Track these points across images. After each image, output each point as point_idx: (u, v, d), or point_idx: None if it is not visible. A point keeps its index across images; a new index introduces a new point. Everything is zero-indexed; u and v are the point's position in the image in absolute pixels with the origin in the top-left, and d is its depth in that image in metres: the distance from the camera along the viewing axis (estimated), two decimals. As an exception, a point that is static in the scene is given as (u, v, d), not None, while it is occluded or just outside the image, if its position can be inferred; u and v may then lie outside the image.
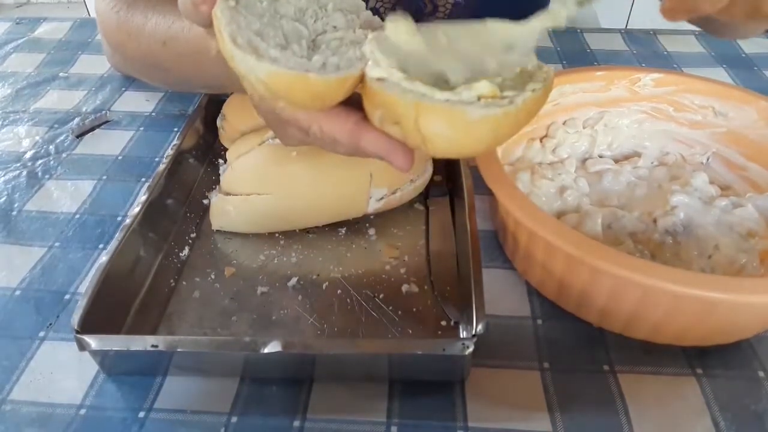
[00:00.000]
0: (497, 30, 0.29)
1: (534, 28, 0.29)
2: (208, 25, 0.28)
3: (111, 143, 0.55)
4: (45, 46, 0.71)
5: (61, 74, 0.65)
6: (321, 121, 0.29)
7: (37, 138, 0.55)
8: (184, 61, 0.49)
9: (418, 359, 0.32)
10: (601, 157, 0.49)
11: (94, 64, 0.67)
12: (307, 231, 0.45)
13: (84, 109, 0.59)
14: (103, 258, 0.36)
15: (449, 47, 0.30)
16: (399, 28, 0.31)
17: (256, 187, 0.42)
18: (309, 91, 0.26)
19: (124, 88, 0.63)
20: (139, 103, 0.60)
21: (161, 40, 0.48)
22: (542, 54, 0.67)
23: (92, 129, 0.56)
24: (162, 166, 0.44)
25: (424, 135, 0.26)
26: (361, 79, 0.27)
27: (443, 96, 0.25)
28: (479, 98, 0.26)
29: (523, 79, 0.28)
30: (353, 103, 0.29)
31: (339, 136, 0.29)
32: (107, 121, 0.57)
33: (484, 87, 0.26)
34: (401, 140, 0.28)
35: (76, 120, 0.58)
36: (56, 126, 0.57)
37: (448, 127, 0.25)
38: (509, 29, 0.29)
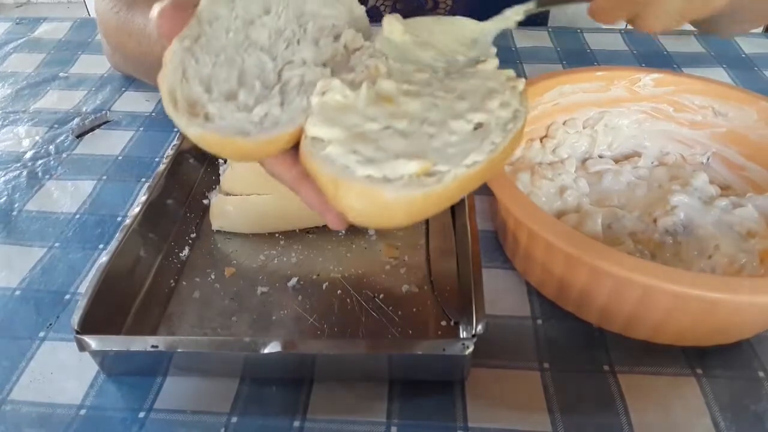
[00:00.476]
0: (464, 25, 0.34)
1: (491, 27, 0.35)
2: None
3: (111, 143, 0.55)
4: (45, 46, 0.71)
5: (61, 74, 0.65)
6: (266, 163, 0.30)
7: (37, 138, 0.55)
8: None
9: (418, 359, 0.32)
10: (601, 157, 0.50)
11: (94, 64, 0.67)
12: (307, 231, 0.45)
13: (84, 109, 0.59)
14: (103, 258, 0.36)
15: (430, 39, 0.32)
16: (393, 28, 0.32)
17: (256, 187, 0.42)
18: (239, 151, 0.26)
19: (124, 88, 0.63)
20: (139, 103, 0.60)
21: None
22: (543, 53, 0.68)
23: (92, 129, 0.56)
24: (162, 166, 0.44)
25: (342, 206, 0.25)
26: (301, 131, 0.27)
27: (365, 172, 0.24)
28: (402, 175, 0.25)
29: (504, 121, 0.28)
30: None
31: (283, 180, 0.30)
32: (107, 121, 0.57)
33: (411, 167, 0.25)
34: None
35: (76, 120, 0.58)
36: (56, 126, 0.57)
37: (363, 204, 0.25)
38: (473, 25, 0.35)
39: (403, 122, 0.27)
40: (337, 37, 0.32)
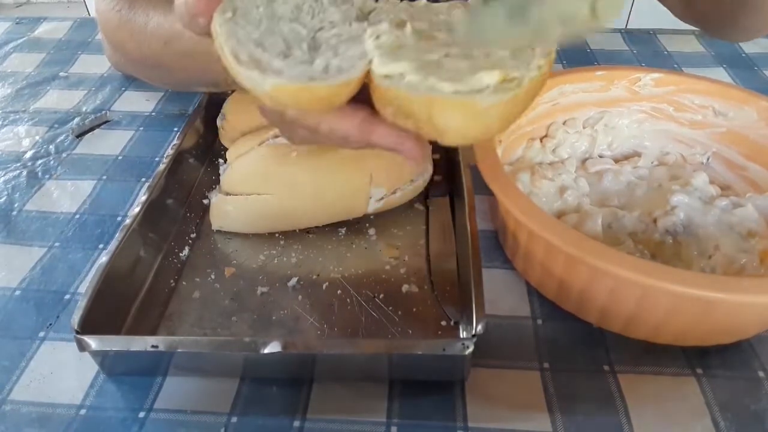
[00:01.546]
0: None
1: None
2: (206, 34, 0.29)
3: (111, 143, 0.55)
4: (45, 46, 0.71)
5: (61, 74, 0.65)
6: (330, 121, 0.29)
7: (37, 138, 0.55)
8: (186, 59, 0.48)
9: (418, 359, 0.32)
10: (601, 157, 0.50)
11: (94, 64, 0.67)
12: (307, 231, 0.45)
13: (84, 109, 0.59)
14: (103, 258, 0.36)
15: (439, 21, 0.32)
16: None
17: (256, 187, 0.42)
18: (315, 98, 0.27)
19: (124, 88, 0.63)
20: (139, 103, 0.60)
21: (163, 40, 0.48)
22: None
23: (92, 129, 0.56)
24: (162, 166, 0.44)
25: (438, 127, 0.26)
26: (367, 75, 0.28)
27: (452, 87, 0.25)
28: (487, 85, 0.26)
29: (525, 54, 0.28)
30: (361, 97, 0.30)
31: (349, 132, 0.29)
32: (107, 121, 0.57)
33: (493, 77, 0.26)
34: (414, 131, 0.28)
35: (76, 120, 0.58)
36: (56, 126, 0.57)
37: (460, 118, 0.26)
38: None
39: (455, 49, 0.28)
40: (349, 2, 0.32)
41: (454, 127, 0.26)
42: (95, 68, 0.66)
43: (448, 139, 0.27)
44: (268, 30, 0.28)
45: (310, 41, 0.29)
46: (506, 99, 0.26)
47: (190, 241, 0.44)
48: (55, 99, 0.61)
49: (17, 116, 0.58)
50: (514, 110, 0.27)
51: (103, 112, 0.59)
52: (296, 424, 0.33)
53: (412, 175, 0.45)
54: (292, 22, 0.29)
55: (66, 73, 0.66)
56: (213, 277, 0.41)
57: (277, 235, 0.44)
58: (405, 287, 0.40)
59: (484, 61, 0.27)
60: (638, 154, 0.50)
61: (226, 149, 0.51)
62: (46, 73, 0.65)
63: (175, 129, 0.56)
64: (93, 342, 0.32)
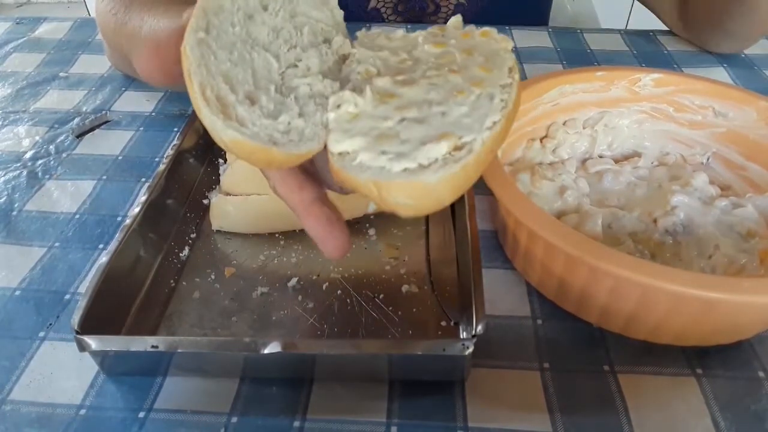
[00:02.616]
0: None
1: None
2: (169, 84, 0.29)
3: (111, 143, 0.55)
4: (45, 46, 0.71)
5: (61, 74, 0.65)
6: (278, 184, 0.30)
7: (37, 138, 0.55)
8: (177, 66, 0.49)
9: (418, 359, 0.32)
10: (601, 157, 0.50)
11: (94, 64, 0.67)
12: (307, 231, 0.45)
13: (84, 109, 0.59)
14: (103, 258, 0.36)
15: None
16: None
17: (256, 187, 0.42)
18: (270, 159, 0.26)
19: (124, 88, 0.63)
20: (139, 103, 0.60)
21: (155, 44, 0.49)
22: (543, 53, 0.68)
23: (92, 129, 0.56)
24: (162, 166, 0.44)
25: (390, 205, 0.26)
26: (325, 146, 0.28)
27: (401, 167, 0.25)
28: (435, 159, 0.26)
29: (482, 108, 0.28)
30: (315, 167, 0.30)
31: (289, 204, 0.30)
32: (107, 121, 0.57)
33: (441, 149, 0.25)
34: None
35: (76, 120, 0.58)
36: (56, 126, 0.57)
37: (410, 196, 0.25)
38: None
39: (412, 111, 0.27)
40: (327, 42, 0.32)
41: (405, 204, 0.26)
42: (95, 68, 0.66)
43: (402, 214, 0.26)
44: (240, 58, 0.27)
45: (279, 82, 0.29)
46: (456, 171, 0.25)
47: (190, 241, 0.44)
48: (55, 99, 0.61)
49: (17, 116, 0.58)
50: (466, 178, 0.26)
51: (103, 112, 0.59)
52: (296, 424, 0.33)
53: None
54: (266, 51, 0.29)
55: (66, 73, 0.66)
56: (213, 277, 0.41)
57: (277, 235, 0.44)
58: (405, 287, 0.40)
59: (439, 122, 0.27)
60: (638, 155, 0.50)
61: (226, 149, 0.51)
62: (46, 73, 0.65)
63: (175, 129, 0.56)
64: (93, 342, 0.32)
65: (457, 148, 0.26)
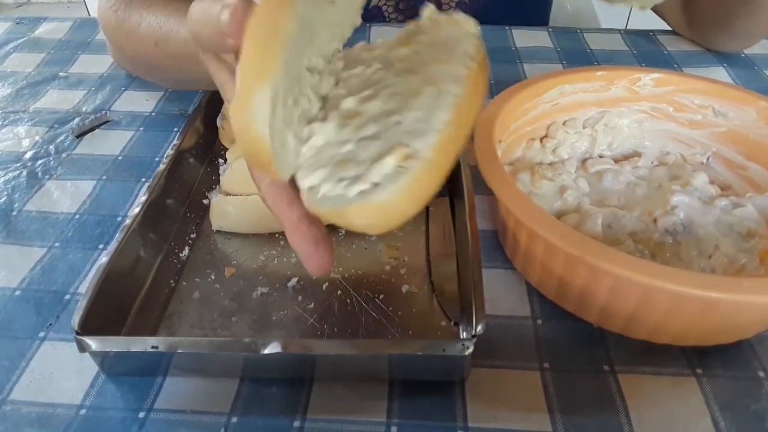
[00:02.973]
0: None
1: None
2: (224, 54, 0.28)
3: (111, 143, 0.55)
4: (45, 46, 0.71)
5: (61, 74, 0.65)
6: (267, 196, 0.30)
7: (37, 138, 0.55)
8: (174, 61, 0.49)
9: (418, 360, 0.32)
10: (601, 157, 0.50)
11: (94, 64, 0.67)
12: (307, 231, 0.45)
13: (84, 109, 0.59)
14: (103, 258, 0.36)
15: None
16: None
17: (256, 187, 0.42)
18: (269, 165, 0.26)
19: (124, 88, 0.63)
20: (139, 102, 0.60)
21: (153, 41, 0.49)
22: (543, 53, 0.68)
23: (92, 129, 0.56)
24: (162, 166, 0.44)
25: (357, 228, 0.26)
26: None
27: (355, 190, 0.25)
28: (392, 171, 0.25)
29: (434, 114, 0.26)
30: None
31: (277, 217, 0.30)
32: (107, 121, 0.57)
33: (387, 165, 0.25)
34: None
35: (76, 120, 0.58)
36: (56, 126, 0.57)
37: (369, 217, 0.25)
38: None
39: (371, 128, 0.27)
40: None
41: (371, 224, 0.25)
42: (95, 68, 0.66)
43: (371, 233, 0.26)
44: (294, 80, 0.26)
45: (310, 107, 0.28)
46: (408, 183, 0.24)
47: (190, 241, 0.44)
48: (55, 99, 0.61)
49: (17, 116, 0.58)
50: (425, 186, 0.25)
51: (103, 112, 0.59)
52: (296, 424, 0.33)
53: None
54: (313, 75, 0.28)
55: (66, 72, 0.66)
56: (213, 277, 0.41)
57: (277, 235, 0.44)
58: (405, 288, 0.40)
59: (393, 134, 0.26)
60: (638, 154, 0.50)
61: (226, 149, 0.51)
62: (46, 73, 0.65)
63: (175, 129, 0.56)
64: (93, 343, 0.32)
65: (409, 158, 0.25)
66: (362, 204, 0.25)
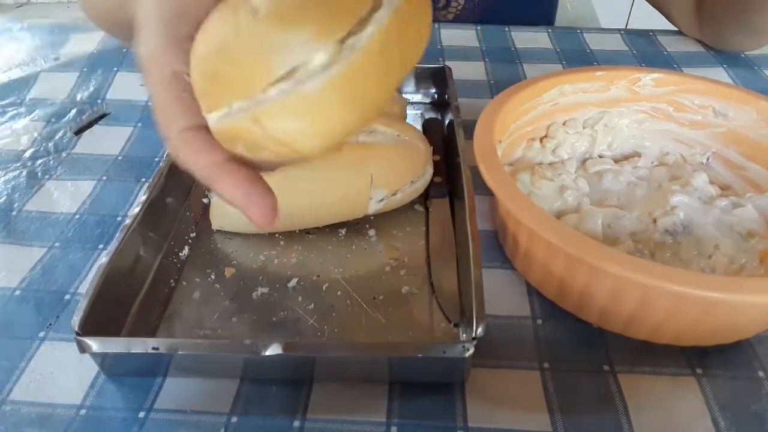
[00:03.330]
0: None
1: None
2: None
3: (110, 142, 0.55)
4: (36, 31, 0.72)
5: (52, 56, 0.67)
6: (181, 142, 0.26)
7: (36, 135, 0.55)
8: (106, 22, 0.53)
9: (418, 362, 0.32)
10: (601, 157, 0.50)
11: (85, 44, 0.68)
12: (307, 232, 0.45)
13: (79, 98, 0.60)
14: (103, 258, 0.36)
15: None
16: None
17: (256, 187, 0.42)
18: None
19: (116, 69, 0.64)
20: (133, 88, 0.61)
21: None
22: (542, 54, 0.68)
23: (90, 125, 0.56)
24: (162, 165, 0.44)
25: (279, 139, 0.23)
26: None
27: (276, 90, 0.21)
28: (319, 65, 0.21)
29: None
30: None
31: (196, 167, 0.26)
32: (105, 115, 0.57)
33: (320, 57, 0.21)
34: (276, 164, 0.25)
35: (73, 112, 0.58)
36: (53, 120, 0.57)
37: (293, 117, 0.22)
38: None
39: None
40: None
41: (295, 131, 0.22)
42: (85, 47, 0.67)
43: (303, 148, 0.23)
44: None
45: None
46: (342, 70, 0.21)
47: (190, 241, 0.44)
48: (48, 86, 0.62)
49: (14, 111, 0.59)
50: (357, 82, 0.22)
51: (99, 102, 0.59)
52: (296, 424, 0.33)
53: (413, 176, 0.45)
54: None
55: (57, 54, 0.67)
56: (213, 277, 0.41)
57: (277, 235, 0.44)
58: (405, 288, 0.40)
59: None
60: (638, 154, 0.50)
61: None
62: (37, 57, 0.66)
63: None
64: (93, 344, 0.32)
65: (343, 46, 0.21)
66: (284, 99, 0.21)
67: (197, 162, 0.25)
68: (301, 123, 0.22)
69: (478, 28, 0.72)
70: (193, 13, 0.26)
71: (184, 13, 0.26)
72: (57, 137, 0.55)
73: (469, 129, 0.42)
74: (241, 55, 0.23)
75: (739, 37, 0.65)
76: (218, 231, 0.45)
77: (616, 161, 0.49)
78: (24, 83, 0.62)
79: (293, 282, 0.41)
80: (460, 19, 0.78)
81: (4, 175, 0.51)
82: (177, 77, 0.26)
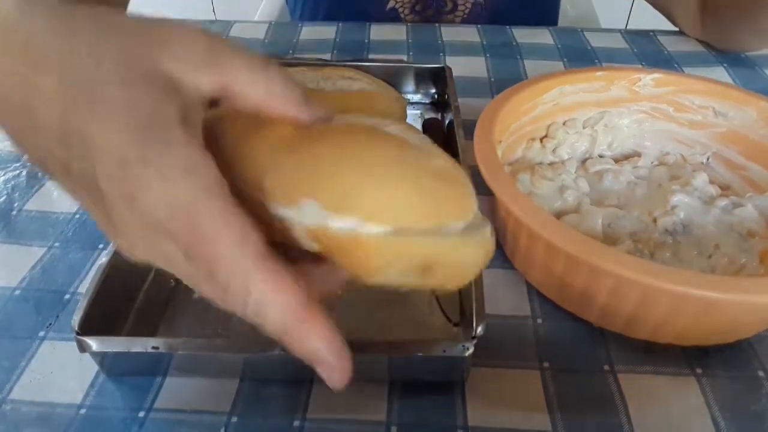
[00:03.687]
0: None
1: None
2: None
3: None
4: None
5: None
6: (252, 281, 0.20)
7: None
8: None
9: (418, 361, 0.32)
10: (601, 157, 0.50)
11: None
12: (307, 231, 0.44)
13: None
14: (103, 258, 0.36)
15: None
16: None
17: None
18: None
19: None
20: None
21: None
22: (543, 51, 0.68)
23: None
24: (162, 166, 0.44)
25: (388, 276, 0.25)
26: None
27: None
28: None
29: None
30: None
31: (276, 312, 0.20)
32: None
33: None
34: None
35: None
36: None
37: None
38: None
39: None
40: None
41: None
42: None
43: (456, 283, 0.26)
44: None
45: None
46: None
47: (190, 241, 0.44)
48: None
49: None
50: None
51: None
52: (296, 424, 0.33)
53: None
54: None
55: None
56: (213, 277, 0.41)
57: (277, 235, 0.44)
58: (405, 288, 0.40)
59: None
60: (638, 154, 0.50)
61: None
62: None
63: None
64: (93, 343, 0.32)
65: None
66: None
67: (277, 293, 0.20)
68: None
69: (479, 26, 0.72)
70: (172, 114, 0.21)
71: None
72: (57, 137, 0.55)
73: (469, 129, 0.42)
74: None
75: (745, 37, 0.65)
76: (218, 231, 0.45)
77: (616, 161, 0.49)
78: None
79: (293, 282, 0.40)
80: (467, 23, 0.78)
81: (4, 175, 0.51)
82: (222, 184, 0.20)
